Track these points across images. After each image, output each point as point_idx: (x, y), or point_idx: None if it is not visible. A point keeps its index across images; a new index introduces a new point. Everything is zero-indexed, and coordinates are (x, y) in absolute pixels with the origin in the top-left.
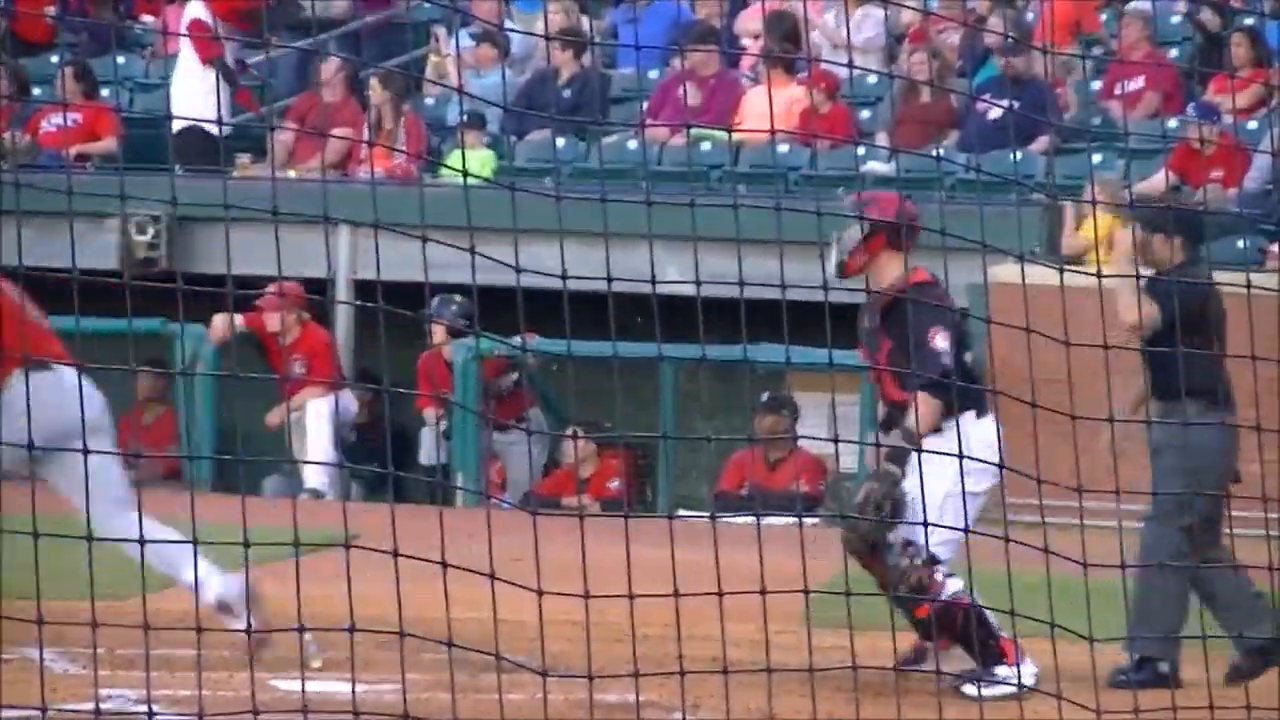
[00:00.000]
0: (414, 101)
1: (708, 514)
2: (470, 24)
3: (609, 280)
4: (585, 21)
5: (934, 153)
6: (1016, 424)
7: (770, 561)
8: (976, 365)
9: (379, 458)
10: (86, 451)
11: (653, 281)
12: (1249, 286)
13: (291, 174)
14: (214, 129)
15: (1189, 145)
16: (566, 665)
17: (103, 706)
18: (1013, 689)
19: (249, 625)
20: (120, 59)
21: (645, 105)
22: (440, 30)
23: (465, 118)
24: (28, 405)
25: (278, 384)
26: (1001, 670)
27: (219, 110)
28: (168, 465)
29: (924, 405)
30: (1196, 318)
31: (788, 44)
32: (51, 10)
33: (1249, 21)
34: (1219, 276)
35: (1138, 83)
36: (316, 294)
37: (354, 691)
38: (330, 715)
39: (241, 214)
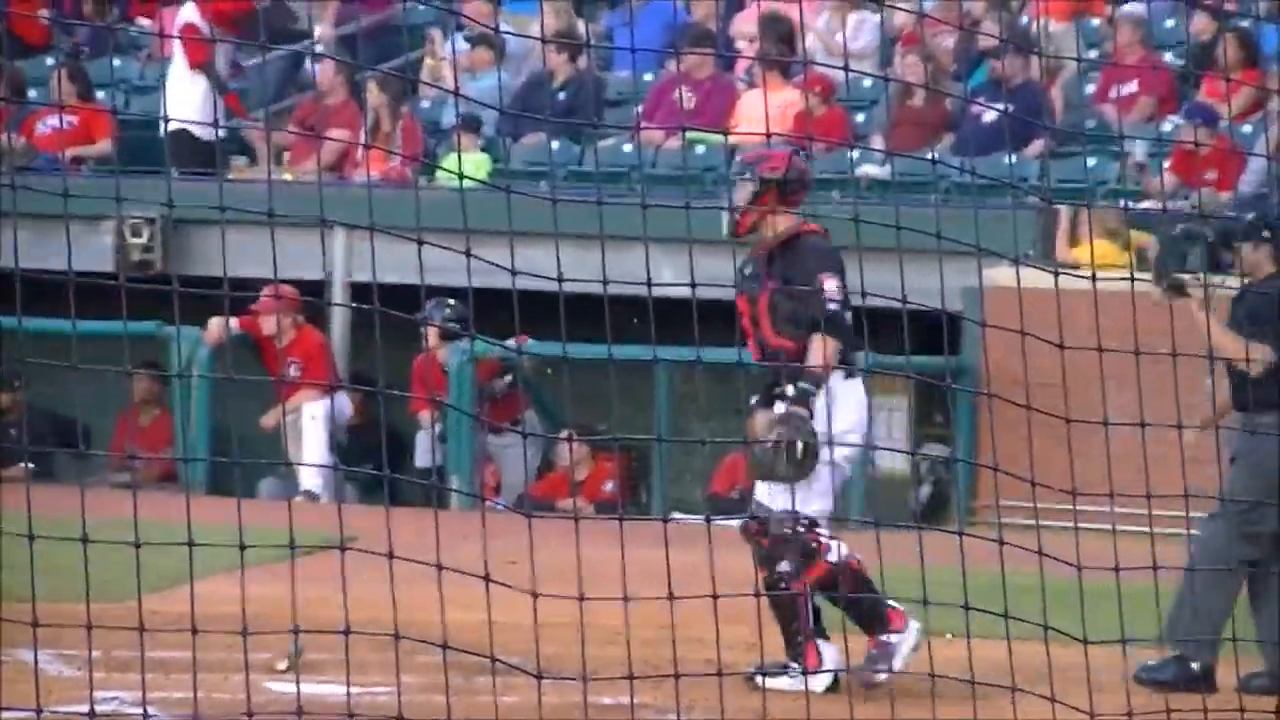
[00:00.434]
0: (409, 104)
1: (702, 516)
2: (466, 27)
3: (604, 283)
4: (580, 24)
5: (929, 156)
6: (1011, 427)
7: None
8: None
9: (373, 460)
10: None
11: (648, 284)
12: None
13: (287, 176)
14: (202, 133)
15: (1185, 148)
16: (561, 667)
17: (98, 709)
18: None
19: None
20: (116, 61)
21: (640, 108)
22: (436, 33)
23: (460, 120)
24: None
25: (273, 386)
26: (890, 637)
27: (215, 114)
28: (163, 467)
29: (826, 345)
30: None
31: (783, 47)
32: (45, 12)
33: (1243, 24)
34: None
35: (1132, 86)
36: (312, 296)
37: (348, 693)
38: (325, 717)
39: (237, 216)
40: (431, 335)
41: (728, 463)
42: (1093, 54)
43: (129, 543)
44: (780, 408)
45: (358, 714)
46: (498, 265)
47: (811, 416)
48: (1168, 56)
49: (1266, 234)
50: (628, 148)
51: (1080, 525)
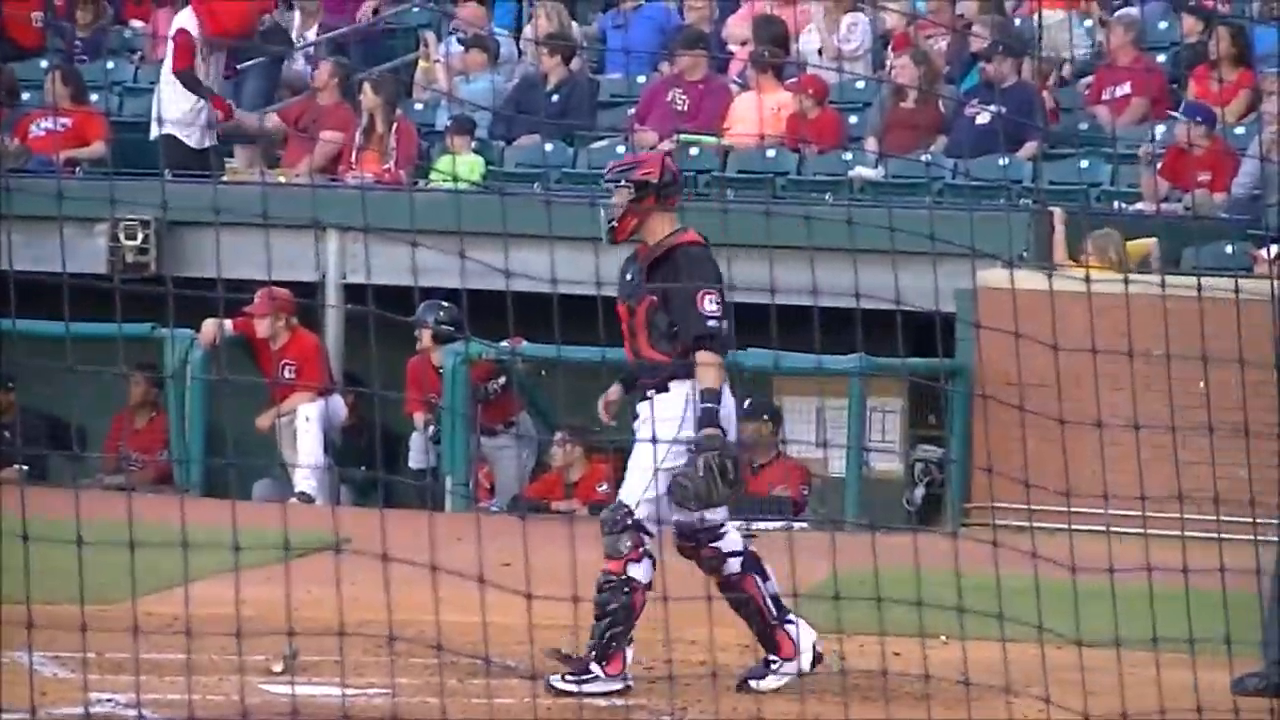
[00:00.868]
0: (403, 106)
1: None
2: (459, 29)
3: (598, 285)
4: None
5: (922, 158)
6: (1004, 428)
7: None
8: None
9: (366, 461)
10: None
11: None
12: (1237, 292)
13: (280, 179)
14: (189, 136)
15: (1179, 148)
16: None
17: (92, 710)
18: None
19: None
20: (110, 64)
21: (634, 110)
22: (429, 35)
23: (454, 122)
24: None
25: (268, 388)
26: (790, 629)
27: (208, 116)
28: (158, 470)
29: (710, 362)
30: None
31: (776, 49)
32: (39, 15)
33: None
34: (1207, 282)
35: (1125, 88)
36: (305, 298)
37: (343, 695)
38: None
39: (231, 218)
40: (425, 337)
41: None
42: (1083, 51)
43: (124, 544)
44: (692, 432)
45: (352, 716)
46: (492, 267)
47: (725, 433)
48: (1160, 58)
49: None
50: (621, 150)
51: (1074, 527)
